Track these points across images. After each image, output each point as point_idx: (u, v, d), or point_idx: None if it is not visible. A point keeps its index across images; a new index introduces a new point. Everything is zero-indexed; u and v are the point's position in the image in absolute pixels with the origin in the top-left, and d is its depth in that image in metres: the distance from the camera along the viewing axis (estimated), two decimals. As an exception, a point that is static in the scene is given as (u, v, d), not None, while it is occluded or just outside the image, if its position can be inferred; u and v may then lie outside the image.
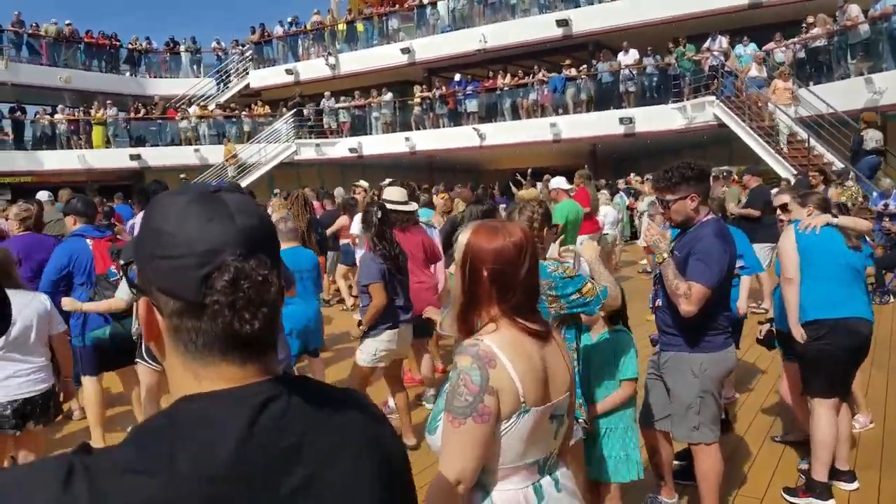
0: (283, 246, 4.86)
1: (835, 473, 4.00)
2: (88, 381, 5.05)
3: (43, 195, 9.35)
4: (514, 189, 11.62)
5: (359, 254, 7.15)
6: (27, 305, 3.66)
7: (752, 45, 16.73)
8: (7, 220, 6.74)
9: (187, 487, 0.76)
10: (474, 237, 1.85)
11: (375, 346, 4.71)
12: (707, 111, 17.14)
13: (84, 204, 5.31)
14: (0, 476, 0.75)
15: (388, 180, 9.52)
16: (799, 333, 3.95)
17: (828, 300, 3.88)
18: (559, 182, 8.76)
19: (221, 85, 27.60)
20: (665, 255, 3.33)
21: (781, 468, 4.36)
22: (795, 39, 16.50)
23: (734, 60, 16.83)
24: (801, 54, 16.35)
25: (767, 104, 15.14)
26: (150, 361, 4.63)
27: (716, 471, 3.43)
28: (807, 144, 14.32)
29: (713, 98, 16.91)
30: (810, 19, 15.96)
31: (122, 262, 4.67)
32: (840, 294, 3.89)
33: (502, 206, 8.76)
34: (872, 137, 12.87)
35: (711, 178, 9.44)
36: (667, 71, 18.62)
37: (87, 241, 4.99)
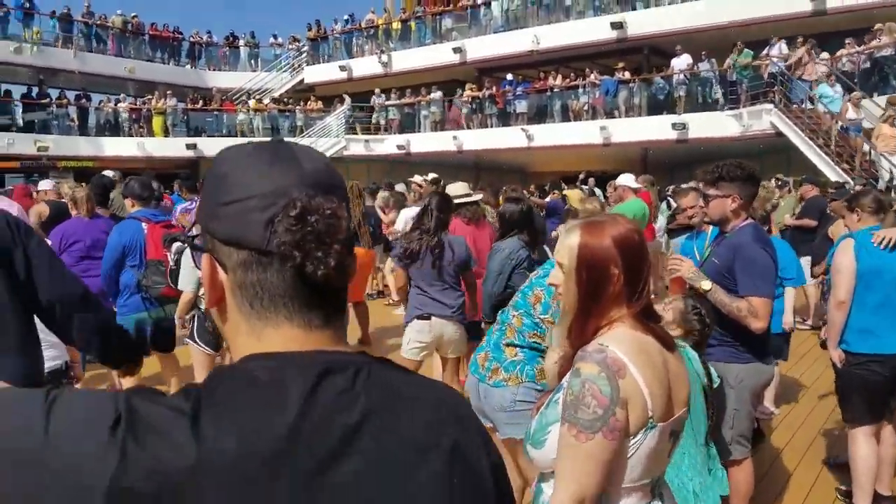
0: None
1: (878, 499, 3.82)
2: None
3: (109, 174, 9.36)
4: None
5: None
6: None
7: (838, 86, 15.43)
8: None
9: (226, 461, 0.69)
10: (590, 237, 1.65)
11: (409, 336, 4.69)
12: (764, 119, 16.67)
13: (141, 186, 5.25)
14: (62, 401, 0.71)
15: (432, 175, 9.39)
16: (837, 357, 3.78)
17: (875, 332, 3.63)
18: (626, 179, 8.12)
19: (283, 77, 28.11)
20: (709, 284, 3.13)
21: (816, 489, 4.22)
22: (860, 49, 15.91)
23: (819, 100, 15.51)
24: (866, 64, 15.76)
25: (869, 149, 14.11)
26: (201, 344, 4.61)
27: (748, 485, 3.33)
28: (869, 157, 13.83)
29: (771, 106, 16.42)
30: (878, 26, 15.38)
31: (173, 251, 4.80)
32: (890, 326, 3.63)
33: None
34: None
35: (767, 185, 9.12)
36: (724, 77, 18.18)
37: (143, 224, 5.00)
